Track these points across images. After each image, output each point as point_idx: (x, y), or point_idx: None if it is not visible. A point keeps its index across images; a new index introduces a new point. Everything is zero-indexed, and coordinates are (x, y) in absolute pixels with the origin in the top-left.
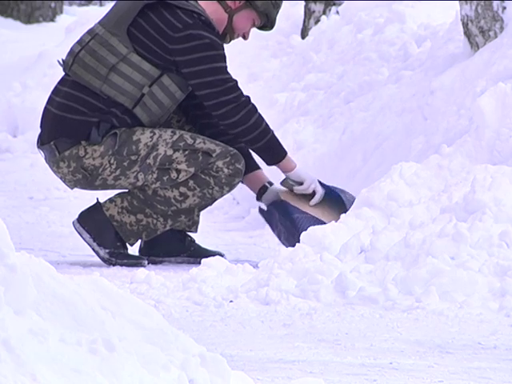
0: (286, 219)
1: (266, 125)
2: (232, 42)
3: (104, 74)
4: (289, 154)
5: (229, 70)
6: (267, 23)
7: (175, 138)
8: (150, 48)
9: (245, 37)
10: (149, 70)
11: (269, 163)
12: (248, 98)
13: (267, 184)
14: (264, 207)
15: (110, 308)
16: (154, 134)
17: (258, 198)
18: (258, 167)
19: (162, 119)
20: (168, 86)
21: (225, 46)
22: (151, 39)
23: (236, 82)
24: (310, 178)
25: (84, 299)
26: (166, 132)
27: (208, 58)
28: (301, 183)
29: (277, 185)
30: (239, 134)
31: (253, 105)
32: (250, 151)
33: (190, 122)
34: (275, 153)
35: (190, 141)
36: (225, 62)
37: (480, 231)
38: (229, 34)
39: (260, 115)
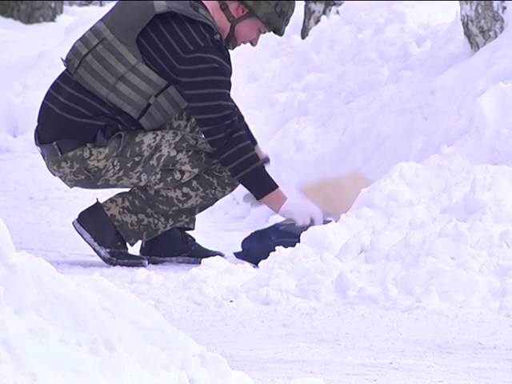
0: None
1: (252, 156)
2: (236, 48)
3: (112, 83)
4: (280, 187)
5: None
6: (275, 31)
7: (178, 138)
8: (158, 63)
9: (252, 43)
10: (156, 81)
11: (255, 196)
12: (237, 127)
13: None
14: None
15: (110, 308)
16: (157, 135)
17: None
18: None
19: (163, 126)
20: (173, 96)
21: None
22: (160, 55)
23: (233, 110)
24: (300, 215)
25: (84, 299)
26: (168, 133)
27: (212, 83)
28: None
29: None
30: (221, 162)
31: (240, 135)
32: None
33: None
34: (259, 185)
35: (192, 141)
36: (229, 88)
37: (480, 231)
38: (231, 41)
39: (246, 145)
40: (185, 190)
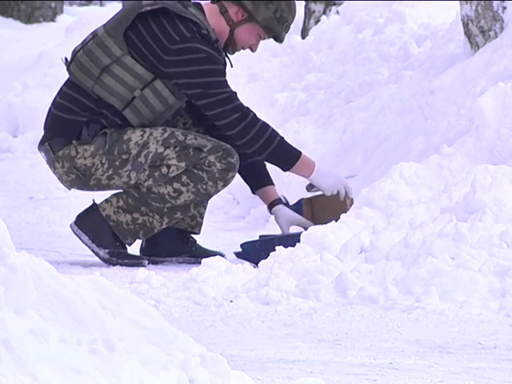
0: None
1: (271, 132)
2: (237, 53)
3: (96, 74)
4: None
5: (229, 83)
6: (274, 38)
7: (166, 135)
8: (144, 55)
9: (252, 49)
10: (142, 74)
11: (283, 169)
12: (246, 109)
13: (282, 198)
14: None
15: (110, 308)
16: (145, 132)
17: (270, 210)
18: (271, 183)
19: (155, 123)
20: (160, 91)
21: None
22: (147, 47)
23: (233, 93)
24: (328, 186)
25: (84, 299)
26: (156, 130)
27: (202, 72)
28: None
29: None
30: (242, 146)
31: (252, 116)
32: (262, 165)
33: (197, 124)
34: (285, 158)
35: (181, 137)
36: (222, 76)
37: (480, 231)
38: (231, 46)
39: (262, 124)
40: (175, 185)
